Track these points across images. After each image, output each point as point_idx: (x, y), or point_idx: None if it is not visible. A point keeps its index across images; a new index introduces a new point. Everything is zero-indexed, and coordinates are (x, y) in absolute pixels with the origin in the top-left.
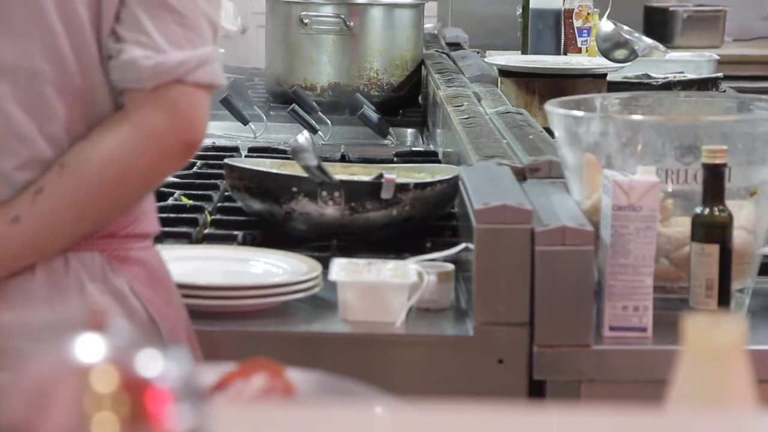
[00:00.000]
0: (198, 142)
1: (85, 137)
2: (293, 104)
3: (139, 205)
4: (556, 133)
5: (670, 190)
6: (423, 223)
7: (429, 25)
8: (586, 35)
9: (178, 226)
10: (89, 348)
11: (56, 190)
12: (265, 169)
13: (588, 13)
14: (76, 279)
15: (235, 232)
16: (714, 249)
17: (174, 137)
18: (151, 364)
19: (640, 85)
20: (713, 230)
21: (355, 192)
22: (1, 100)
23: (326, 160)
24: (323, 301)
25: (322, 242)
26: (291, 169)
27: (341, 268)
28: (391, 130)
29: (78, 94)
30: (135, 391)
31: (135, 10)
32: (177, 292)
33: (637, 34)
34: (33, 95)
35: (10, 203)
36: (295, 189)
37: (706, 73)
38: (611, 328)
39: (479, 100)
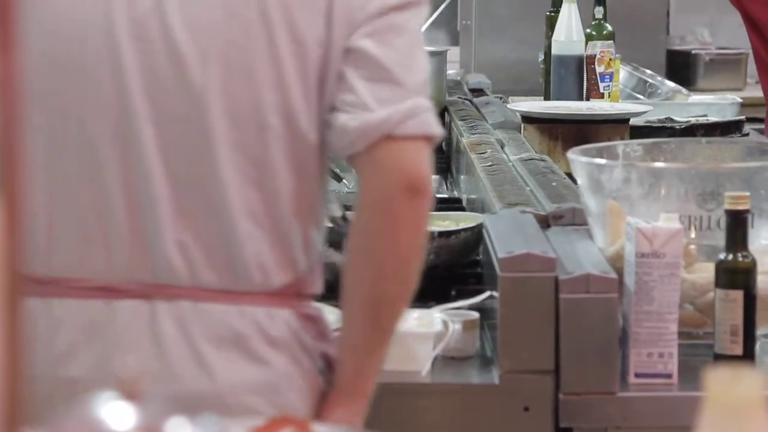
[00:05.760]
0: (420, 186)
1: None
2: None
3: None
4: (579, 181)
5: (693, 236)
6: (448, 272)
7: (452, 72)
8: (608, 80)
9: None
10: (120, 415)
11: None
12: None
13: (610, 59)
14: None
15: None
16: (738, 295)
17: (394, 189)
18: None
19: (663, 129)
20: (737, 276)
21: None
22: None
23: (351, 209)
24: None
25: None
26: None
27: None
28: None
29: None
30: None
31: (348, 73)
32: None
33: (659, 78)
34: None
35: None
36: None
37: (729, 116)
38: (637, 375)
39: (502, 147)
